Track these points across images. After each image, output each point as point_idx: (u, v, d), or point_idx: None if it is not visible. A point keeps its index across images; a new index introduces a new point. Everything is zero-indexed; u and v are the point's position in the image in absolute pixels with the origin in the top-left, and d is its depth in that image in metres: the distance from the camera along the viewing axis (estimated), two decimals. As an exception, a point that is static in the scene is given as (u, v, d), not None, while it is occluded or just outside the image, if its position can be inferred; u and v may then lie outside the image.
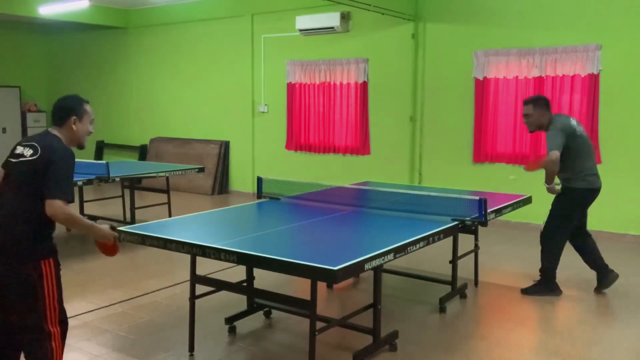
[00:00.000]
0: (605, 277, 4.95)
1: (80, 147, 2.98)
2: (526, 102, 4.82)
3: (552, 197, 4.85)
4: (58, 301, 2.74)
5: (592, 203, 4.92)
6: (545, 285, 4.87)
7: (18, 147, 2.84)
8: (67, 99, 2.95)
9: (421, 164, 8.06)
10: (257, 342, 3.93)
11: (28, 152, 2.73)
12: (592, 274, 5.42)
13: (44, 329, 2.68)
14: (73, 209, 2.74)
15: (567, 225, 4.81)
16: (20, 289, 2.66)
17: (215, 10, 9.82)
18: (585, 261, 5.02)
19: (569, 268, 5.26)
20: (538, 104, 4.76)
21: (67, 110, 2.89)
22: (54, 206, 2.62)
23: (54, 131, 2.88)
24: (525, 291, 4.87)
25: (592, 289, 4.99)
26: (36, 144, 2.75)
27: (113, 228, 2.97)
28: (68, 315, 2.92)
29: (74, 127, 2.88)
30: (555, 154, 4.50)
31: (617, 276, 4.97)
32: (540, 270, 4.94)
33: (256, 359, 3.69)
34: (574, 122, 4.76)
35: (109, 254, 3.02)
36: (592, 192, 4.79)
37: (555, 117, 4.80)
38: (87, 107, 2.97)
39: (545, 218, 4.90)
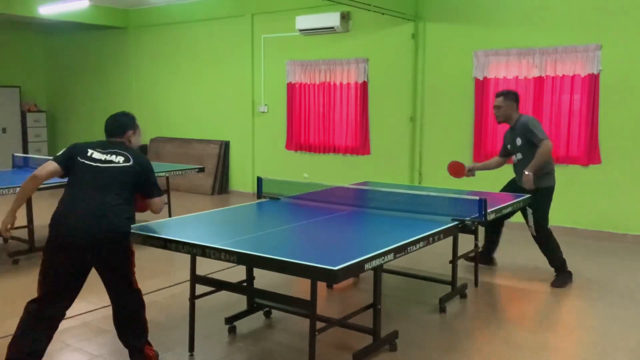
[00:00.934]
0: (487, 258, 5.55)
1: None
2: (498, 95, 5.23)
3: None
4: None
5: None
6: (563, 275, 5.11)
7: (94, 151, 3.32)
8: (124, 116, 3.55)
9: (421, 164, 8.07)
10: (257, 342, 3.93)
11: (119, 159, 3.31)
12: (592, 275, 5.43)
13: (137, 288, 3.42)
14: None
15: (547, 217, 5.13)
16: (123, 265, 3.31)
17: (215, 10, 9.82)
18: (487, 244, 5.55)
19: (569, 268, 5.25)
20: (508, 97, 5.14)
21: (125, 126, 3.50)
22: (156, 202, 3.46)
23: (120, 140, 3.45)
24: (553, 284, 5.04)
25: (592, 290, 5.00)
26: (125, 153, 3.34)
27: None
28: (68, 315, 3.16)
29: (131, 139, 3.50)
30: (550, 143, 4.94)
31: (495, 264, 5.64)
32: (552, 265, 5.15)
33: (256, 359, 3.69)
34: None
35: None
36: (553, 188, 5.20)
37: (526, 115, 5.25)
38: (138, 123, 3.60)
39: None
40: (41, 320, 3.14)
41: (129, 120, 3.53)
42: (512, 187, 5.30)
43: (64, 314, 3.25)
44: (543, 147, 4.89)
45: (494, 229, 5.49)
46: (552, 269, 5.19)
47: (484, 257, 5.56)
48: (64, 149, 3.41)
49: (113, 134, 3.47)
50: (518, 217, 5.37)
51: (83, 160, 3.28)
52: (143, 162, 3.39)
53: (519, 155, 5.13)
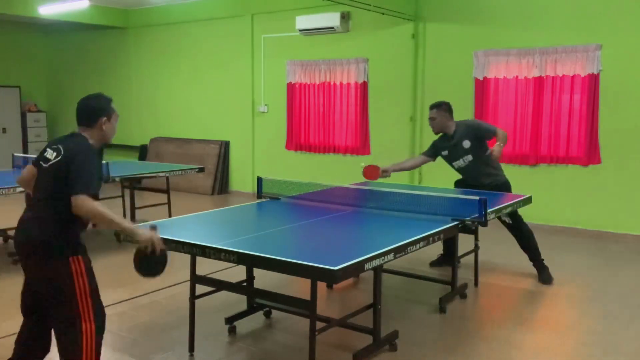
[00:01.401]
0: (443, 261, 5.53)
1: (107, 144, 3.06)
2: (431, 107, 5.33)
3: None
4: (91, 297, 2.77)
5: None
6: (545, 269, 5.19)
7: (48, 149, 2.87)
8: (95, 99, 2.95)
9: (421, 164, 8.05)
10: (257, 342, 3.93)
11: (53, 155, 2.79)
12: (592, 275, 5.43)
13: (76, 324, 2.72)
14: (99, 204, 2.69)
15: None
16: (51, 286, 2.72)
17: (215, 10, 9.82)
18: (445, 249, 5.55)
19: (569, 268, 5.26)
20: (441, 108, 5.26)
21: (97, 111, 2.90)
22: (77, 201, 2.63)
23: (82, 132, 2.90)
24: (544, 282, 5.12)
25: (593, 290, 5.00)
26: (60, 146, 2.79)
27: (153, 227, 2.90)
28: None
29: (104, 127, 2.91)
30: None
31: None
32: (533, 259, 5.21)
33: (256, 359, 3.69)
34: None
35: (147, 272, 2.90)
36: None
37: (467, 119, 5.47)
38: (114, 106, 2.99)
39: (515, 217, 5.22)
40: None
41: (101, 104, 2.93)
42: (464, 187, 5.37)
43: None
44: (502, 131, 5.13)
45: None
46: (550, 269, 5.22)
47: (445, 259, 5.55)
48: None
49: (82, 123, 2.91)
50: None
51: (40, 163, 2.87)
52: (73, 149, 2.76)
53: (469, 158, 5.20)
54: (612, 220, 6.78)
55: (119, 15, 10.89)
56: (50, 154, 2.82)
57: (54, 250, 2.71)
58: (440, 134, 5.37)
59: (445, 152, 5.33)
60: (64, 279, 2.71)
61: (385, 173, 5.40)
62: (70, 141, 2.84)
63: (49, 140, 12.17)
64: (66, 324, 2.73)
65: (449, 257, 5.49)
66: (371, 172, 5.39)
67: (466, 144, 5.15)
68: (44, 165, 2.82)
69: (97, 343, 2.78)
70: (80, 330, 2.72)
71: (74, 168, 2.68)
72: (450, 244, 5.38)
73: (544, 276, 5.15)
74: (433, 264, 5.58)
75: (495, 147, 4.96)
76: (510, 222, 5.18)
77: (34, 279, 2.82)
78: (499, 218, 5.13)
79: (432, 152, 5.50)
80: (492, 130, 5.18)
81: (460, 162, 5.26)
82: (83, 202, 2.63)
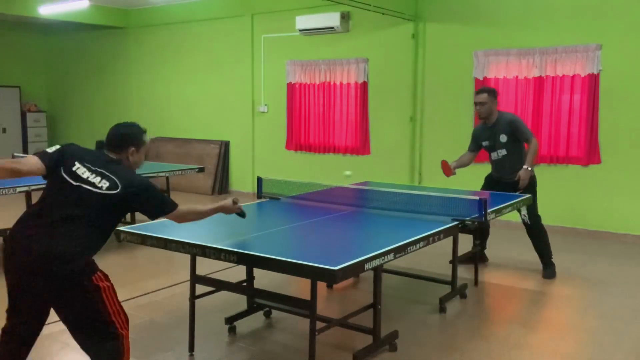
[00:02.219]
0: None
1: None
2: (481, 91, 5.23)
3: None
4: (119, 306, 2.75)
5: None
6: (552, 266, 5.28)
7: (81, 166, 2.74)
8: (127, 128, 2.94)
9: (421, 164, 8.06)
10: (257, 342, 3.93)
11: (104, 184, 2.71)
12: (592, 275, 5.43)
13: (117, 333, 2.70)
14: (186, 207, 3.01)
15: (537, 205, 5.26)
16: (80, 304, 2.64)
17: (215, 10, 9.82)
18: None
19: (569, 268, 5.26)
20: (492, 94, 5.20)
21: (127, 140, 2.89)
22: (177, 214, 2.94)
23: (116, 157, 2.87)
24: (546, 276, 5.22)
25: (593, 290, 5.00)
26: (112, 176, 2.73)
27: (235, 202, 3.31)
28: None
29: (130, 158, 2.90)
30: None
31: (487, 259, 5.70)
32: (542, 256, 5.31)
33: (256, 359, 3.69)
34: None
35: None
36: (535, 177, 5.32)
37: (508, 113, 5.43)
38: (146, 138, 2.98)
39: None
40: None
41: (134, 134, 2.91)
42: (494, 185, 5.35)
43: (30, 336, 2.80)
44: (535, 143, 5.13)
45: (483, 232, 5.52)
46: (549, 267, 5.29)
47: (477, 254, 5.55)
48: (56, 148, 2.85)
49: (111, 147, 2.88)
50: (517, 216, 5.38)
51: (63, 175, 2.72)
52: (136, 184, 2.78)
53: (502, 152, 5.24)
54: (612, 220, 6.78)
55: (119, 15, 10.89)
56: (95, 179, 2.71)
57: (78, 272, 2.60)
58: (479, 124, 5.40)
59: (486, 143, 5.34)
60: (92, 297, 2.64)
61: (454, 170, 5.40)
62: (120, 170, 2.79)
63: (49, 140, 12.18)
64: (108, 337, 2.68)
65: (480, 252, 5.53)
66: (446, 166, 5.41)
67: (503, 138, 5.18)
68: (79, 185, 2.69)
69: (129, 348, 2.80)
70: (121, 337, 2.71)
71: (150, 201, 2.82)
72: (483, 236, 5.46)
73: (547, 272, 5.24)
74: (460, 260, 5.48)
75: (522, 172, 5.02)
76: (529, 222, 5.23)
77: (47, 299, 2.68)
78: (522, 218, 5.22)
79: (475, 146, 5.49)
80: (529, 135, 5.16)
81: (495, 154, 5.30)
82: (180, 214, 2.96)
